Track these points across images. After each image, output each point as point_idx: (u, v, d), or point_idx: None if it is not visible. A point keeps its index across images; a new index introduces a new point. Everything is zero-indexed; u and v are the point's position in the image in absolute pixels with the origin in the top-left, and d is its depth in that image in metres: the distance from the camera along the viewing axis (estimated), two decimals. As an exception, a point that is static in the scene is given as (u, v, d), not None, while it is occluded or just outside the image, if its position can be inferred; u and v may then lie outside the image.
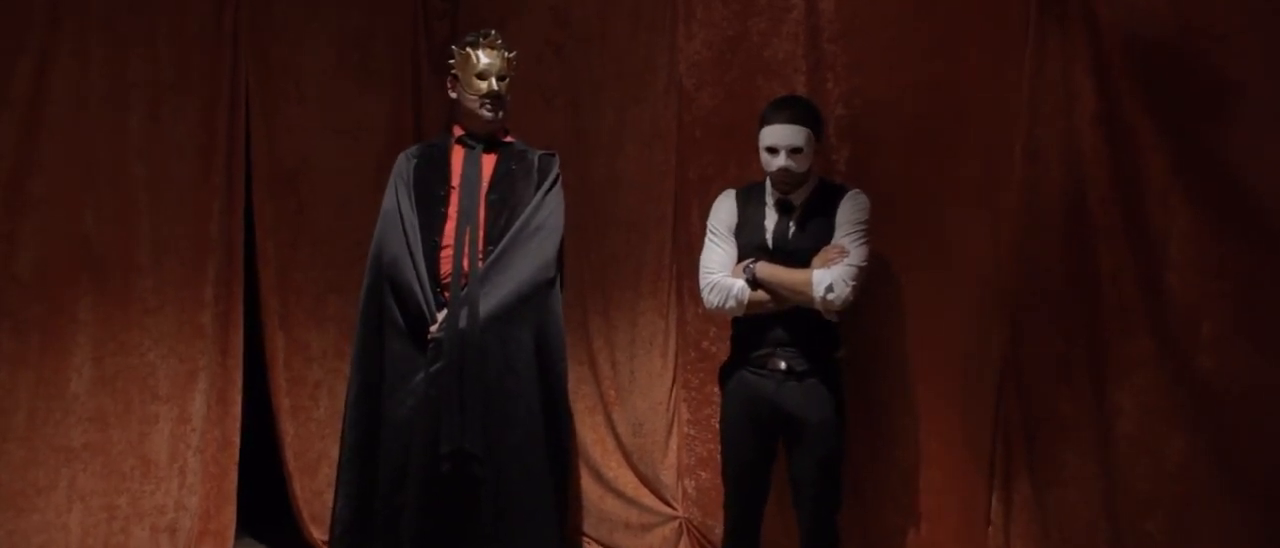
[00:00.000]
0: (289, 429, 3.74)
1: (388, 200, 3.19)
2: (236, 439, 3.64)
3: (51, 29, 3.22)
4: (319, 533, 3.73)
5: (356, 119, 3.84)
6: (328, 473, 3.77)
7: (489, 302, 3.05)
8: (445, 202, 3.16)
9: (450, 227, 3.13)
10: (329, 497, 3.71)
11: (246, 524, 3.79)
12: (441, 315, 3.06)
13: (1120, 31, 2.44)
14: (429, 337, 3.05)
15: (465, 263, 3.08)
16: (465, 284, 3.07)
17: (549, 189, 3.22)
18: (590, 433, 3.91)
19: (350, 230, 3.79)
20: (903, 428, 3.09)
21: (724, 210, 2.97)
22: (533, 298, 3.12)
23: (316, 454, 3.79)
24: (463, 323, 3.02)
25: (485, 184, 3.19)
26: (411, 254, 3.08)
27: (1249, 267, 2.22)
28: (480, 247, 3.11)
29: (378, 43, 3.88)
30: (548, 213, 3.19)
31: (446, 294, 3.08)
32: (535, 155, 3.29)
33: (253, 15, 3.60)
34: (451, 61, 3.24)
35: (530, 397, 3.11)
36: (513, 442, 3.07)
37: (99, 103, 3.32)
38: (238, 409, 3.64)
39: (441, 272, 3.11)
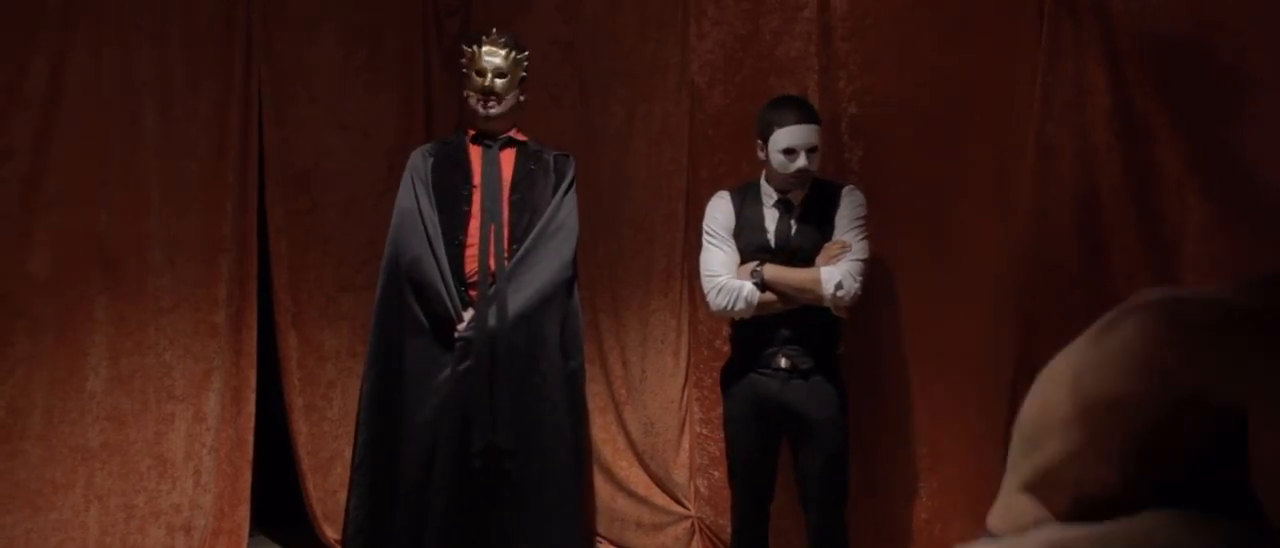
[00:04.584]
0: (302, 428, 3.75)
1: (405, 199, 3.20)
2: (250, 438, 3.65)
3: (65, 29, 3.24)
4: (332, 532, 3.74)
5: (367, 117, 3.85)
6: (341, 472, 3.78)
7: (516, 300, 3.10)
8: (468, 200, 3.18)
9: (474, 225, 3.15)
10: (342, 496, 3.72)
11: (260, 523, 3.81)
12: (467, 314, 3.08)
13: (1134, 26, 2.43)
14: (456, 335, 3.07)
15: (491, 261, 3.11)
16: (492, 283, 3.09)
17: (567, 190, 3.26)
18: (601, 432, 3.91)
19: (362, 229, 3.80)
20: (915, 426, 3.09)
21: (721, 212, 2.98)
22: (555, 297, 3.18)
23: (330, 453, 3.81)
24: (492, 321, 3.05)
25: (507, 183, 3.22)
26: (434, 253, 3.10)
27: (1265, 264, 2.21)
28: (506, 245, 3.14)
29: (388, 40, 3.89)
30: (567, 213, 3.25)
31: (471, 293, 3.11)
32: (550, 155, 3.32)
33: (264, 12, 3.61)
34: (464, 57, 3.27)
35: (555, 393, 3.17)
36: (540, 437, 3.12)
37: (112, 102, 3.34)
38: (252, 408, 3.65)
39: (466, 270, 3.13)
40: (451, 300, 3.09)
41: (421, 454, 3.10)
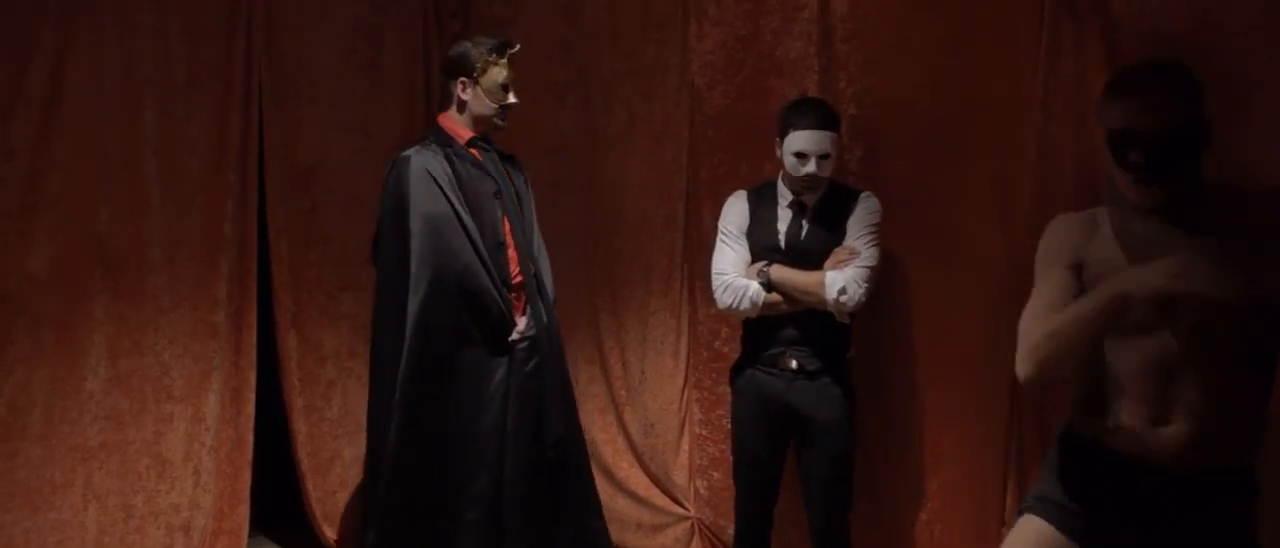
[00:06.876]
0: (302, 428, 3.74)
1: (432, 203, 3.04)
2: (250, 438, 3.64)
3: (65, 27, 3.24)
4: (331, 532, 3.74)
5: (368, 117, 3.85)
6: (340, 472, 3.78)
7: (548, 295, 3.25)
8: (497, 202, 3.17)
9: (507, 226, 3.17)
10: (342, 496, 3.73)
11: (259, 523, 3.80)
12: (520, 316, 3.14)
13: (1134, 27, 2.44)
14: (519, 336, 3.10)
15: (529, 262, 3.19)
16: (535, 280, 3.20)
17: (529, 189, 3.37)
18: (601, 433, 3.91)
19: (363, 228, 3.78)
20: (917, 427, 3.09)
21: (735, 211, 2.98)
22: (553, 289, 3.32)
23: (329, 453, 3.80)
24: (546, 318, 3.15)
25: (511, 184, 3.25)
26: (481, 258, 3.07)
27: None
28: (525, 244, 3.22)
29: (389, 40, 3.88)
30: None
31: (512, 294, 3.14)
32: (507, 155, 3.33)
33: (265, 11, 3.60)
34: (476, 63, 3.16)
35: (569, 379, 3.31)
36: (575, 422, 3.29)
37: (112, 101, 3.33)
38: (251, 408, 3.64)
39: (511, 272, 3.15)
40: (505, 305, 3.10)
41: (484, 462, 3.06)
